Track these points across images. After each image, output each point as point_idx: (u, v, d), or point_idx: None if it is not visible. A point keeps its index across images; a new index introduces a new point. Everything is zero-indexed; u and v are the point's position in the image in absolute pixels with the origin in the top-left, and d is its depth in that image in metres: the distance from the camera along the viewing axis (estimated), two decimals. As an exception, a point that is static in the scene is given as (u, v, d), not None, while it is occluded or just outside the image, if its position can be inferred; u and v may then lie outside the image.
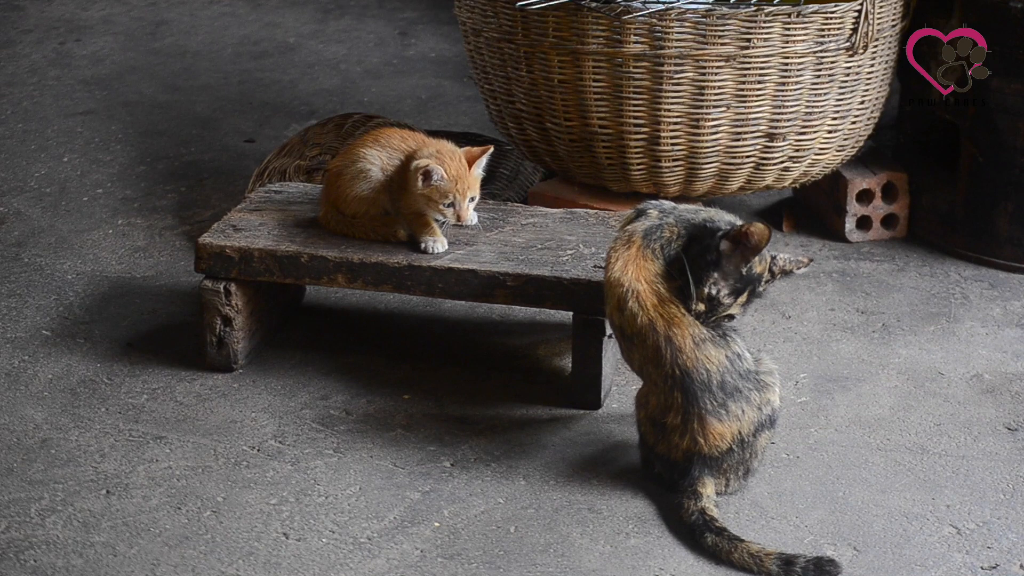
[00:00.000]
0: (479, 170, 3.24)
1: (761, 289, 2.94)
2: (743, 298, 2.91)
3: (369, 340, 3.57)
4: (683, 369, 2.85)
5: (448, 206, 3.21)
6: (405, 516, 2.91)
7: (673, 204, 3.04)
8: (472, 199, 3.24)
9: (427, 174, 3.18)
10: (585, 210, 3.55)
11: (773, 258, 2.94)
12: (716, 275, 2.88)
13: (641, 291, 2.88)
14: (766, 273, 2.93)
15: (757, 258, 2.88)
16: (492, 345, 3.55)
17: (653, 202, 3.04)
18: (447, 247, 3.29)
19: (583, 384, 3.25)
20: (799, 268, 2.98)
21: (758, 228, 2.85)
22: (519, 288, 3.23)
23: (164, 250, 4.03)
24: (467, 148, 3.27)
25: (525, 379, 3.39)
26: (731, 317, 2.94)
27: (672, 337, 2.86)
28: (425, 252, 3.28)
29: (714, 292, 2.89)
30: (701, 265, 2.88)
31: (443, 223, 3.28)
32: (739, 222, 2.94)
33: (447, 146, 3.26)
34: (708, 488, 2.88)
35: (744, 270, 2.88)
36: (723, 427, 2.87)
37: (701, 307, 2.89)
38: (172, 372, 3.41)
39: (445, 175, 3.18)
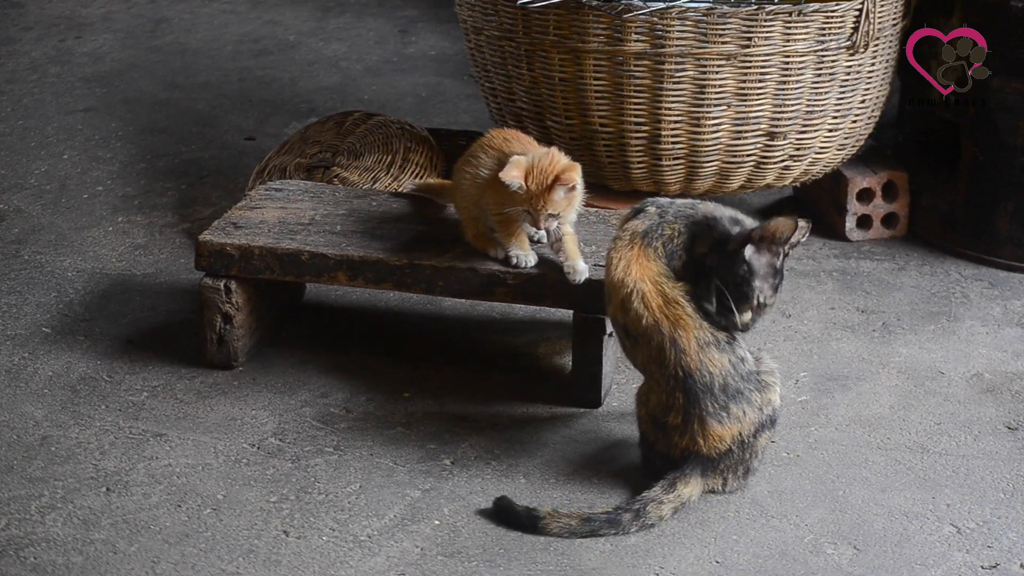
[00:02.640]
0: (562, 193, 3.12)
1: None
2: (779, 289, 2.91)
3: (369, 338, 3.57)
4: (686, 371, 2.85)
5: (524, 212, 3.14)
6: (405, 514, 2.91)
7: (670, 200, 3.03)
8: (553, 215, 3.13)
9: (506, 185, 3.10)
10: (585, 208, 3.54)
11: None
12: (756, 283, 2.87)
13: (646, 291, 2.88)
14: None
15: (788, 244, 2.87)
16: (492, 343, 3.55)
17: (650, 199, 3.04)
18: (536, 260, 3.23)
19: (583, 382, 3.25)
20: (803, 236, 2.93)
21: (778, 222, 2.83)
22: (519, 286, 3.23)
23: (164, 247, 4.03)
24: (564, 167, 3.13)
25: (525, 377, 3.39)
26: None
27: (677, 339, 2.86)
28: (517, 266, 3.22)
29: (762, 299, 2.87)
30: (736, 282, 2.86)
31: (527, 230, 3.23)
32: (741, 217, 2.93)
33: (545, 159, 3.14)
34: (688, 488, 2.87)
35: (778, 263, 2.87)
36: (723, 429, 2.87)
37: (747, 317, 2.88)
38: (172, 369, 3.41)
39: (523, 186, 3.10)
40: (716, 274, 2.89)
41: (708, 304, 2.90)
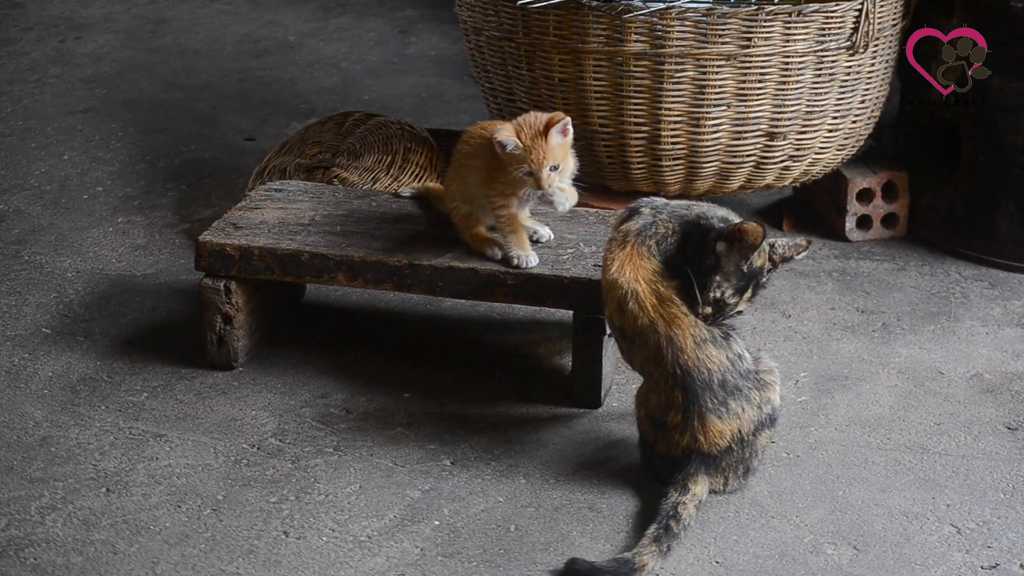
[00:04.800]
0: (559, 138, 3.11)
1: (764, 280, 2.94)
2: (748, 293, 2.92)
3: (369, 338, 3.57)
4: (684, 369, 2.85)
5: (527, 174, 3.12)
6: (405, 514, 2.91)
7: (665, 200, 3.03)
8: (554, 168, 3.12)
9: (501, 145, 3.11)
10: (585, 209, 3.55)
11: (772, 246, 2.94)
12: (718, 278, 2.88)
13: (640, 291, 2.88)
14: (767, 263, 2.92)
15: (756, 252, 2.88)
16: (492, 344, 3.55)
17: (645, 200, 3.04)
18: (537, 261, 3.23)
19: (583, 382, 3.25)
20: (799, 252, 2.96)
21: (751, 226, 2.85)
22: (519, 286, 3.23)
23: (164, 248, 4.03)
24: (552, 114, 3.14)
25: (525, 378, 3.39)
26: (740, 313, 2.94)
27: (673, 337, 2.86)
28: (519, 267, 3.22)
29: (719, 295, 2.89)
30: (701, 270, 2.88)
31: (528, 198, 3.21)
32: (733, 218, 2.94)
33: (530, 116, 3.15)
34: (699, 486, 2.87)
35: (744, 267, 2.88)
36: (723, 425, 2.87)
37: (708, 310, 2.89)
38: (172, 370, 3.41)
39: (518, 145, 3.10)
40: (687, 259, 2.90)
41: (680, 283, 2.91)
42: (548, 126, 3.10)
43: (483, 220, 3.31)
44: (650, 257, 2.91)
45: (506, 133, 3.11)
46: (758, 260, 2.90)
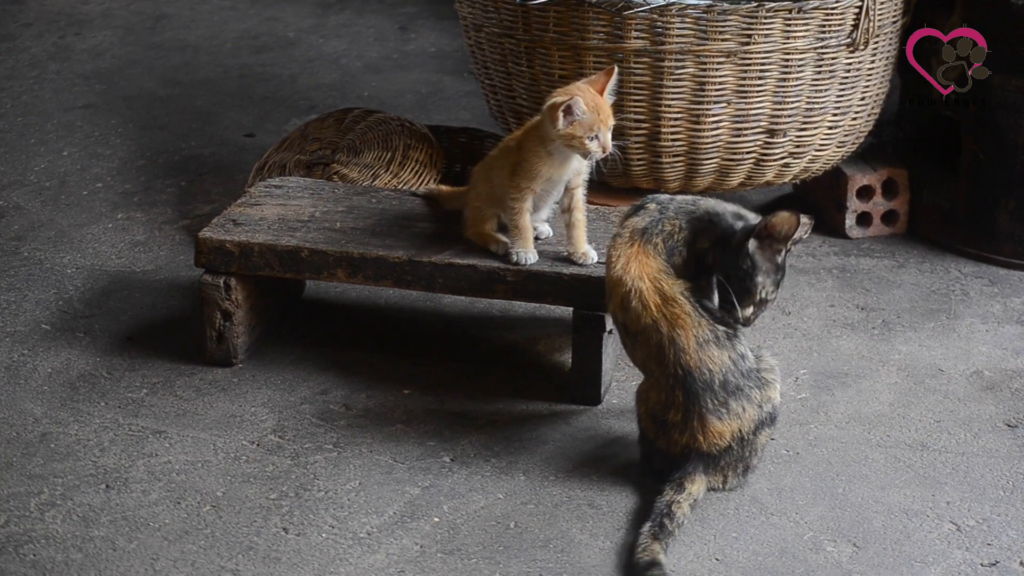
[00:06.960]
0: (611, 89, 3.11)
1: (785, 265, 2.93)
2: (782, 280, 2.91)
3: (369, 335, 3.57)
4: (686, 369, 2.85)
5: (592, 139, 3.07)
6: (404, 511, 2.91)
7: (671, 196, 3.03)
8: (611, 127, 3.10)
9: (568, 109, 3.04)
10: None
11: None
12: (759, 279, 2.86)
13: (644, 290, 2.88)
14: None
15: (792, 241, 2.87)
16: (492, 340, 3.55)
17: (650, 196, 3.04)
18: (536, 259, 3.23)
19: (583, 379, 3.25)
20: (805, 232, 2.93)
21: (780, 219, 2.83)
22: (519, 283, 3.23)
23: (164, 244, 4.03)
24: (590, 78, 3.14)
25: (525, 374, 3.39)
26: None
27: (676, 338, 2.85)
28: (517, 264, 3.22)
29: (764, 295, 2.88)
30: (739, 275, 2.86)
31: (545, 199, 3.24)
32: (747, 213, 2.93)
33: (569, 87, 3.13)
34: (696, 485, 2.87)
35: (780, 259, 2.87)
36: (723, 425, 2.87)
37: (749, 312, 2.88)
38: (172, 366, 3.41)
39: (586, 107, 3.04)
40: (718, 268, 2.89)
41: (709, 301, 2.90)
42: (603, 84, 3.08)
43: (495, 219, 3.30)
44: (656, 255, 2.91)
45: (566, 96, 3.04)
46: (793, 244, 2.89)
